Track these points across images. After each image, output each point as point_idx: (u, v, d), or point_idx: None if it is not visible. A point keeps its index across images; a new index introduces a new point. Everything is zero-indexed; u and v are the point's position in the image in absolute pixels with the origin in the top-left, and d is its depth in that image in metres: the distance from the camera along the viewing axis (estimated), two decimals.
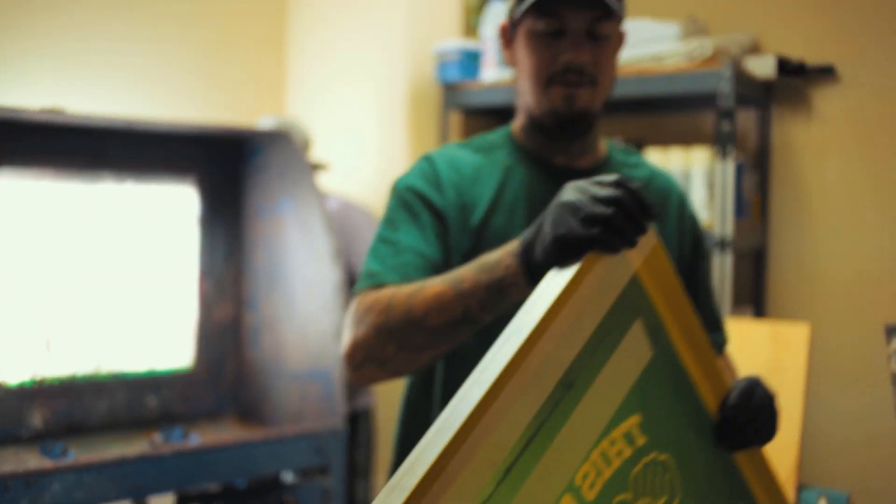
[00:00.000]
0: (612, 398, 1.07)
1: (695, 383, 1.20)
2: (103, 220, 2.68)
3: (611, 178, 1.12)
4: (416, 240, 1.39)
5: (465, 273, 1.23)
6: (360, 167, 3.36)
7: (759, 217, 2.79)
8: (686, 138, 2.90)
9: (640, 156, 1.58)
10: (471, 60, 2.86)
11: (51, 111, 2.36)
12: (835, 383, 2.72)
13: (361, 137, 3.36)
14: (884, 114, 2.62)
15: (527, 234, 1.16)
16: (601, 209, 1.06)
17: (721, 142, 2.47)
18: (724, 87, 2.45)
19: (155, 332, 2.79)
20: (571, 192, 1.11)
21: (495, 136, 1.53)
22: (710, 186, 2.55)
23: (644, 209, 1.09)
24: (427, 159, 1.50)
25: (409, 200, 1.43)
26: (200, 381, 2.88)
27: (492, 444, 0.91)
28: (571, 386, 1.01)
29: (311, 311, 2.64)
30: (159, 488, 2.30)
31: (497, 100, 2.80)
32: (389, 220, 1.44)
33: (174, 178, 2.84)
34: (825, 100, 2.71)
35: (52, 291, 2.59)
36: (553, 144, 1.47)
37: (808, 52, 2.69)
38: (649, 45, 2.60)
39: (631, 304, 1.11)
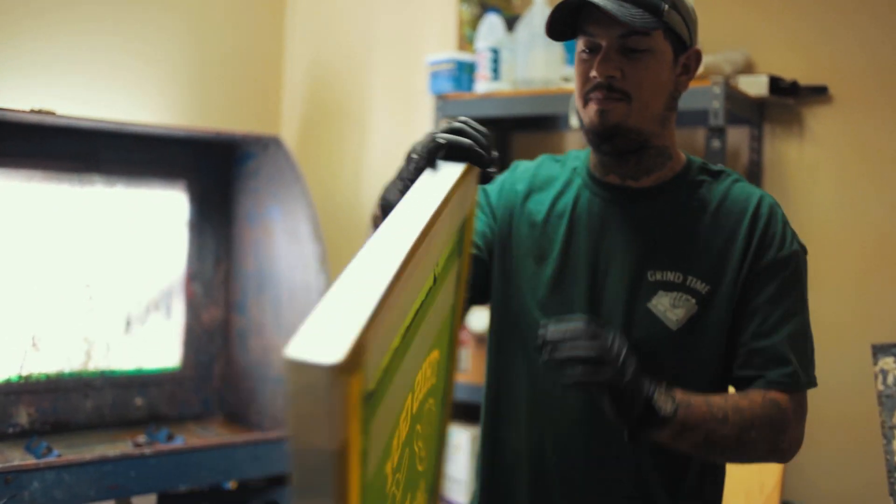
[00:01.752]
0: (440, 320, 1.08)
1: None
2: (93, 222, 2.70)
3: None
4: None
5: None
6: (353, 175, 3.37)
7: None
8: None
9: (728, 177, 1.50)
10: (464, 72, 2.87)
11: (41, 112, 2.37)
12: (821, 400, 2.71)
13: (355, 146, 3.37)
14: (876, 134, 2.62)
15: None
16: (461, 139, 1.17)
17: (711, 160, 2.47)
18: (716, 104, 2.45)
19: (143, 332, 2.80)
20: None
21: (587, 151, 1.58)
22: None
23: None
24: (513, 165, 1.65)
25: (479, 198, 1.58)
26: (187, 383, 2.89)
27: (407, 302, 0.85)
28: (436, 281, 1.02)
29: (299, 316, 2.65)
30: (140, 489, 2.31)
31: (490, 111, 2.81)
32: None
33: (164, 182, 2.85)
34: (817, 119, 2.71)
35: (39, 290, 2.61)
36: (606, 163, 1.49)
37: (801, 72, 2.69)
38: None
39: (460, 237, 1.16)
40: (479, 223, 1.56)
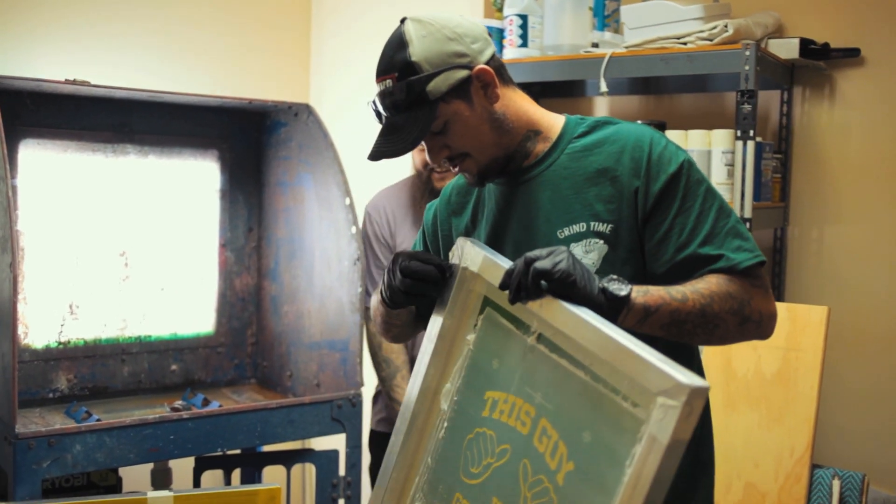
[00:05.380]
0: None
1: None
2: (127, 191, 2.74)
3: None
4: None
5: None
6: None
7: (780, 199, 2.78)
8: (707, 119, 2.89)
9: (605, 125, 1.59)
10: (492, 39, 2.87)
11: (76, 82, 2.40)
12: (851, 366, 2.72)
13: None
14: None
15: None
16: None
17: (742, 123, 2.46)
18: (746, 68, 2.44)
19: (177, 299, 2.84)
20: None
21: None
22: (731, 168, 2.55)
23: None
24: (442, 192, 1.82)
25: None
26: (221, 349, 2.94)
27: None
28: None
29: (330, 282, 2.68)
30: (179, 452, 2.36)
31: (518, 77, 2.80)
32: None
33: (196, 152, 2.88)
34: (849, 82, 2.69)
35: (77, 259, 2.65)
36: None
37: (832, 34, 2.67)
38: (671, 25, 2.59)
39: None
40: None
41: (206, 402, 2.61)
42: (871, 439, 2.68)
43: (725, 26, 2.51)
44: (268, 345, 2.95)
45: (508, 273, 1.39)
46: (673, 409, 1.10)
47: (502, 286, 1.40)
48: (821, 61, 2.68)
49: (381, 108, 1.54)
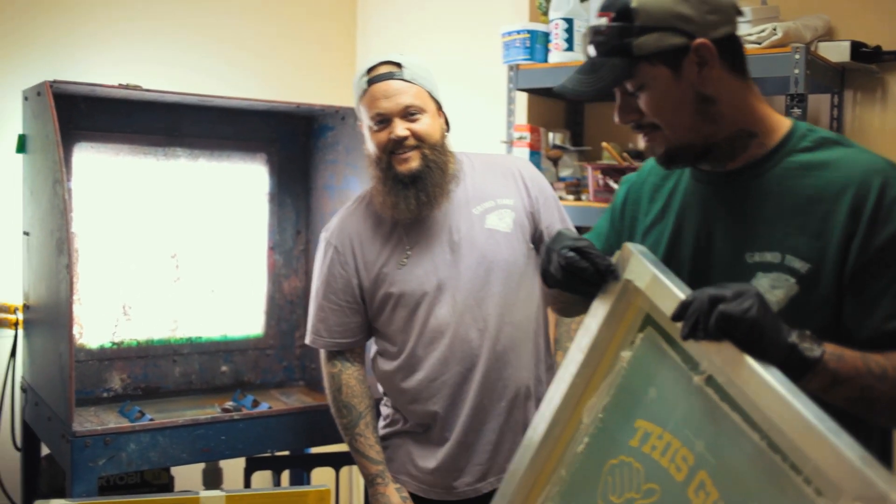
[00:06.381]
0: None
1: None
2: (178, 194, 2.78)
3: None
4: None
5: None
6: None
7: None
8: None
9: (835, 145, 1.40)
10: (537, 42, 2.87)
11: (128, 87, 2.44)
12: None
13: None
14: None
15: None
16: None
17: None
18: (796, 71, 2.42)
19: (228, 301, 2.88)
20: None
21: None
22: None
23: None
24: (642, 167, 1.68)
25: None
26: (270, 351, 2.97)
27: None
28: None
29: None
30: (230, 453, 2.40)
31: (561, 80, 2.80)
32: None
33: (245, 155, 2.92)
34: None
35: (130, 261, 2.70)
36: None
37: (884, 37, 2.64)
38: None
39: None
40: (604, 229, 1.68)
41: (255, 404, 2.64)
42: None
43: (774, 29, 2.49)
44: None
45: (684, 305, 1.22)
46: None
47: (675, 318, 1.23)
48: (872, 64, 2.65)
49: (589, 43, 1.39)
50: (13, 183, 2.64)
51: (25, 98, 2.54)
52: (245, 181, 2.92)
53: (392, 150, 2.03)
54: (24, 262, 2.59)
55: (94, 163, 2.64)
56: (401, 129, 2.01)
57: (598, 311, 1.41)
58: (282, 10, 3.36)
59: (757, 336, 1.16)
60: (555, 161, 2.97)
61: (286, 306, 3.00)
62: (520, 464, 1.47)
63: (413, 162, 2.02)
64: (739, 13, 1.39)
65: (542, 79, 2.84)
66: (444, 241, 2.09)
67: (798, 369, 1.19)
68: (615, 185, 2.68)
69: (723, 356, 1.18)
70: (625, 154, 2.90)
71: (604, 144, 2.89)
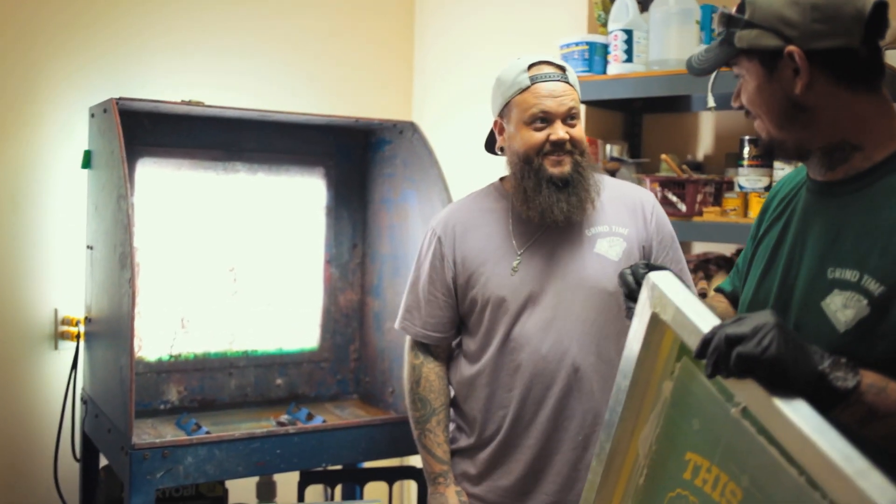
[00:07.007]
0: None
1: None
2: (236, 208, 2.80)
3: None
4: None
5: None
6: (487, 159, 3.38)
7: None
8: None
9: None
10: (596, 54, 2.84)
11: (191, 103, 2.47)
12: None
13: (488, 130, 3.38)
14: None
15: None
16: None
17: None
18: None
19: (284, 314, 2.89)
20: None
21: None
22: None
23: None
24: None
25: None
26: (325, 364, 2.97)
27: None
28: None
29: None
30: (284, 466, 2.40)
31: (622, 93, 2.77)
32: None
33: (303, 169, 2.94)
34: None
35: (188, 274, 2.72)
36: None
37: None
38: None
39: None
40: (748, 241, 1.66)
41: (310, 417, 2.64)
42: None
43: None
44: (370, 361, 2.98)
45: (705, 343, 1.20)
46: None
47: (697, 356, 1.21)
48: None
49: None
50: (78, 198, 2.68)
51: (92, 115, 2.58)
52: (303, 195, 2.94)
53: (547, 151, 2.02)
54: (87, 275, 2.63)
55: (155, 178, 2.68)
56: (562, 131, 2.02)
57: (636, 336, 1.42)
58: (339, 23, 3.38)
59: (779, 372, 1.13)
60: (612, 173, 2.93)
61: (341, 319, 3.00)
62: (589, 495, 1.50)
63: (566, 166, 2.02)
64: (875, 27, 1.31)
65: (601, 91, 2.80)
66: (551, 254, 2.07)
67: (827, 400, 1.15)
68: (674, 198, 2.63)
69: (747, 394, 1.16)
70: (683, 166, 2.85)
71: (662, 156, 2.84)
